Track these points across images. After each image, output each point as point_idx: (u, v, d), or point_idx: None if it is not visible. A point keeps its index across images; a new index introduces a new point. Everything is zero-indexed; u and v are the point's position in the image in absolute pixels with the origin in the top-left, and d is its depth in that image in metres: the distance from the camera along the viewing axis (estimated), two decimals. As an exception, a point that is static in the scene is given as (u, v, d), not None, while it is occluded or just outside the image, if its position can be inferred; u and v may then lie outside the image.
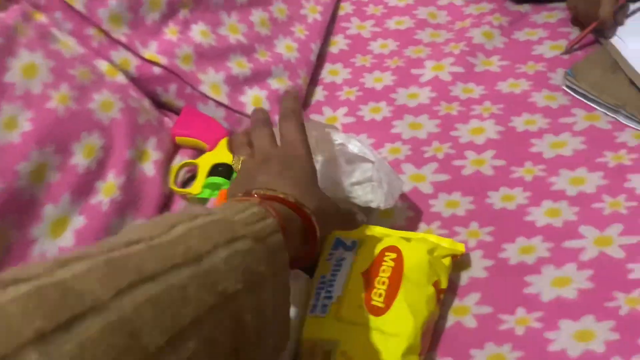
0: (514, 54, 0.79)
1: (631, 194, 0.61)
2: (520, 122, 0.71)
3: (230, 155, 0.64)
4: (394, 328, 0.48)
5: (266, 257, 0.37)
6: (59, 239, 0.52)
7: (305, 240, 0.48)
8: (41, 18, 0.61)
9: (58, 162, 0.53)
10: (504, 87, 0.75)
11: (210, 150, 0.67)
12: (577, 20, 0.81)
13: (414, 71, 0.80)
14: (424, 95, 0.76)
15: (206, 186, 0.63)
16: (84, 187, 0.54)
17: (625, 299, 0.53)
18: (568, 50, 0.78)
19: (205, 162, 0.65)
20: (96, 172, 0.56)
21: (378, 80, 0.80)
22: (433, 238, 0.57)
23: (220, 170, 0.64)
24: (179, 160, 0.68)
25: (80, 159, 0.55)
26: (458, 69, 0.78)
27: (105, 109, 0.59)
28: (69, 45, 0.62)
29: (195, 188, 0.63)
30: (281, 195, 0.46)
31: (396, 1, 0.92)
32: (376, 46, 0.86)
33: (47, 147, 0.53)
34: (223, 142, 0.67)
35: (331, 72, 0.83)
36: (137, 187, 0.60)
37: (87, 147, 0.56)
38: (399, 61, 0.82)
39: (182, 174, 0.67)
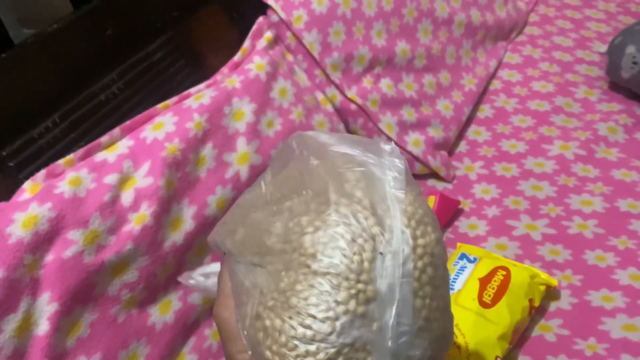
0: (632, 150, 0.96)
1: None
2: (624, 204, 0.87)
3: None
4: (496, 319, 0.68)
5: None
6: None
7: None
8: (289, 57, 0.90)
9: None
10: (617, 174, 0.93)
11: None
12: None
13: (544, 146, 0.99)
14: (549, 166, 0.95)
15: None
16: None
17: (679, 352, 0.69)
18: None
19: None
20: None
21: (513, 146, 1.00)
22: (535, 270, 0.76)
23: None
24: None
25: (303, 156, 0.81)
26: (581, 152, 0.97)
27: (321, 127, 0.86)
28: (302, 78, 0.90)
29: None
30: None
31: (539, 87, 1.12)
32: (516, 119, 1.06)
33: (287, 144, 0.80)
34: None
35: (475, 132, 1.05)
36: None
37: (308, 150, 0.83)
38: (533, 135, 1.02)
39: None
